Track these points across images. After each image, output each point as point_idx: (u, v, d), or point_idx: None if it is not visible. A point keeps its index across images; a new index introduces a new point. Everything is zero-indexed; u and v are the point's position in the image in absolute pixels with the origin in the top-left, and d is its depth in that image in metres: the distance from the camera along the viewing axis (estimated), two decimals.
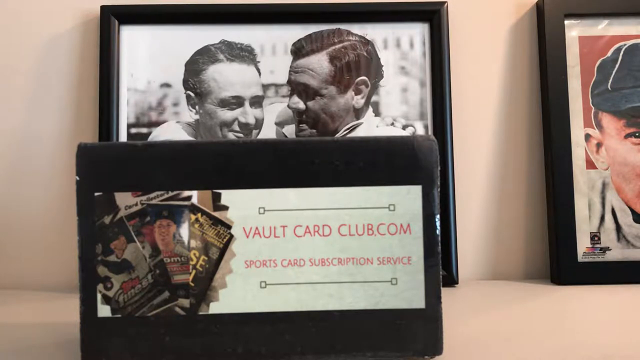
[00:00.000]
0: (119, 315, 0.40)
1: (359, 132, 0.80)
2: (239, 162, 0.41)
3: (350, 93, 0.80)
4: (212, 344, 0.40)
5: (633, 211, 0.78)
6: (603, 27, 0.80)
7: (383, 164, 0.41)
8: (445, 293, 0.59)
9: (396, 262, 0.41)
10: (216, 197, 0.40)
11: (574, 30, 0.80)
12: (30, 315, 0.62)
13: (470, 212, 0.82)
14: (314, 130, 0.79)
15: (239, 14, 0.81)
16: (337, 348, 0.40)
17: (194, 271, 0.40)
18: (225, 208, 0.40)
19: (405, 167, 0.41)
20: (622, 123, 0.79)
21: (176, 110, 0.80)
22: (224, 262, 0.40)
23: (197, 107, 0.80)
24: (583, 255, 0.76)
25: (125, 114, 0.80)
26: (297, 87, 0.80)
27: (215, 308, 0.40)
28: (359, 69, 0.80)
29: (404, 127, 0.81)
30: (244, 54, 0.81)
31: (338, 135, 0.79)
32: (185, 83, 0.80)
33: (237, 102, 0.80)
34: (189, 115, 0.80)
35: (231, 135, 0.79)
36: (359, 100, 0.80)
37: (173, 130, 0.80)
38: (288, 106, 0.80)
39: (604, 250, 0.77)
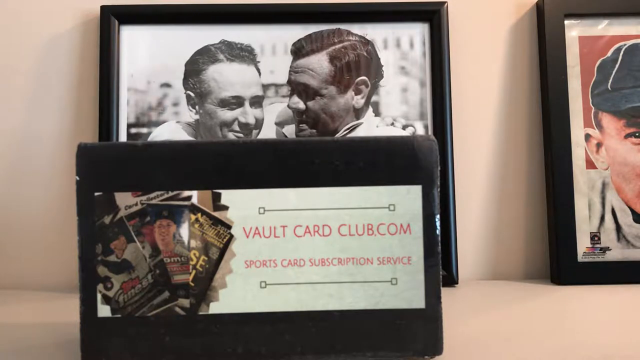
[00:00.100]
0: (119, 315, 0.40)
1: (359, 132, 0.80)
2: (239, 162, 0.41)
3: (350, 93, 0.80)
4: (212, 344, 0.40)
5: (633, 211, 0.78)
6: (603, 27, 0.80)
7: (383, 164, 0.41)
8: (445, 293, 0.59)
9: (396, 262, 0.41)
10: (216, 197, 0.40)
11: (574, 30, 0.80)
12: (30, 315, 0.62)
13: (470, 212, 0.82)
14: (314, 130, 0.79)
15: (239, 14, 0.81)
16: (337, 348, 0.40)
17: (194, 271, 0.40)
18: (225, 208, 0.40)
19: (405, 167, 0.41)
20: (622, 123, 0.79)
21: (176, 110, 0.80)
22: (224, 262, 0.40)
23: (197, 107, 0.80)
24: (583, 255, 0.76)
25: (125, 114, 0.80)
26: (297, 87, 0.80)
27: (215, 308, 0.40)
28: (359, 69, 0.80)
29: (404, 127, 0.81)
30: (244, 54, 0.81)
31: (338, 135, 0.79)
32: (185, 83, 0.80)
33: (237, 102, 0.80)
34: (189, 115, 0.80)
35: (231, 135, 0.79)
36: (359, 100, 0.80)
37: (173, 130, 0.80)
38: (288, 106, 0.80)
39: (604, 250, 0.77)
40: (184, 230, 0.40)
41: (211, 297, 0.40)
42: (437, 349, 0.41)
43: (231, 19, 0.81)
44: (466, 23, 0.84)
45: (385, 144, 0.41)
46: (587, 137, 0.79)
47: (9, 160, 0.81)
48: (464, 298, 0.69)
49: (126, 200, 0.40)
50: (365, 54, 0.81)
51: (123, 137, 0.79)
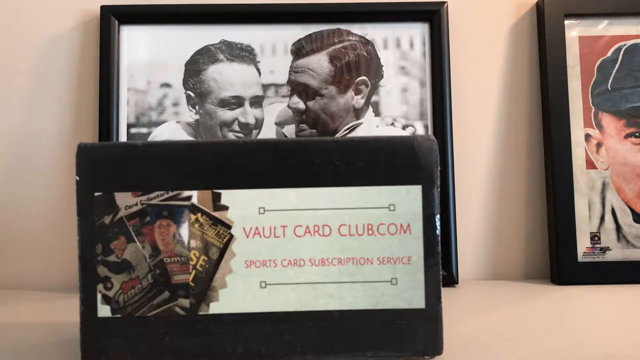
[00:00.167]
0: (119, 315, 0.40)
1: (359, 132, 0.80)
2: (239, 162, 0.41)
3: (350, 93, 0.80)
4: (212, 344, 0.40)
5: (633, 211, 0.78)
6: (603, 27, 0.80)
7: (383, 164, 0.41)
8: (445, 293, 0.59)
9: (396, 262, 0.41)
10: (216, 197, 0.40)
11: (574, 30, 0.80)
12: (30, 315, 0.62)
13: (470, 212, 0.82)
14: (314, 130, 0.79)
15: (239, 14, 0.81)
16: (337, 348, 0.40)
17: (194, 271, 0.40)
18: (225, 208, 0.40)
19: (405, 167, 0.41)
20: (622, 123, 0.79)
21: (176, 110, 0.80)
22: (224, 262, 0.40)
23: (197, 107, 0.80)
24: (583, 255, 0.76)
25: (125, 114, 0.80)
26: (297, 87, 0.80)
27: (215, 308, 0.40)
28: (359, 69, 0.80)
29: (404, 127, 0.81)
30: (244, 54, 0.81)
31: (338, 135, 0.79)
32: (185, 83, 0.80)
33: (237, 102, 0.80)
34: (189, 115, 0.80)
35: (231, 135, 0.79)
36: (359, 100, 0.80)
37: (173, 130, 0.80)
38: (288, 106, 0.80)
39: (604, 250, 0.77)
40: (184, 230, 0.40)
41: (211, 297, 0.40)
42: (437, 349, 0.41)
43: (231, 19, 0.81)
44: (466, 23, 0.84)
45: (385, 144, 0.41)
46: (587, 137, 0.79)
47: (9, 160, 0.81)
48: (464, 298, 0.69)
49: (126, 200, 0.40)
50: (365, 54, 0.81)
51: (123, 137, 0.79)
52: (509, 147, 0.83)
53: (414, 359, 0.40)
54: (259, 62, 0.81)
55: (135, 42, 0.81)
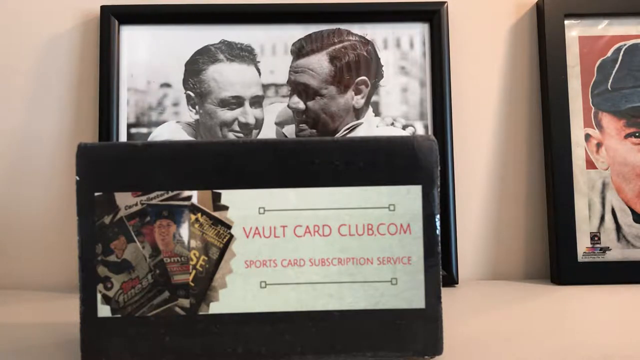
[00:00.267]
0: (119, 315, 0.40)
1: (359, 132, 0.80)
2: (239, 162, 0.41)
3: (350, 93, 0.80)
4: (212, 344, 0.40)
5: (633, 211, 0.78)
6: (603, 27, 0.80)
7: (383, 164, 0.41)
8: (445, 293, 0.59)
9: (396, 262, 0.41)
10: (216, 197, 0.40)
11: (574, 30, 0.80)
12: (30, 315, 0.62)
13: (470, 212, 0.82)
14: (314, 130, 0.79)
15: (239, 14, 0.81)
16: (337, 348, 0.40)
17: (194, 271, 0.40)
18: (225, 208, 0.40)
19: (405, 167, 0.41)
20: (622, 123, 0.79)
21: (176, 110, 0.80)
22: (224, 262, 0.40)
23: (197, 107, 0.80)
24: (583, 255, 0.76)
25: (125, 114, 0.80)
26: (297, 87, 0.80)
27: (215, 308, 0.40)
28: (359, 69, 0.80)
29: (404, 127, 0.81)
30: (244, 54, 0.81)
31: (338, 135, 0.79)
32: (185, 83, 0.80)
33: (237, 102, 0.80)
34: (189, 115, 0.80)
35: (231, 135, 0.79)
36: (359, 100, 0.80)
37: (173, 130, 0.80)
38: (288, 106, 0.80)
39: (604, 250, 0.77)
40: (184, 230, 0.40)
41: (211, 297, 0.40)
42: (437, 349, 0.41)
43: (231, 19, 0.81)
44: (466, 23, 0.84)
45: (385, 144, 0.41)
46: (587, 137, 0.79)
47: (9, 160, 0.81)
48: (464, 298, 0.69)
49: (126, 200, 0.40)
50: (365, 54, 0.81)
51: (123, 137, 0.79)
52: (509, 147, 0.83)
53: (414, 359, 0.40)
54: (259, 62, 0.81)
55: (135, 42, 0.81)
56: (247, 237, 0.40)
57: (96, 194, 0.40)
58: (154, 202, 0.40)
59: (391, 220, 0.41)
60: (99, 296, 0.40)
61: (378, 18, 0.81)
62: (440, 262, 0.41)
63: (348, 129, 0.80)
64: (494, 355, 0.44)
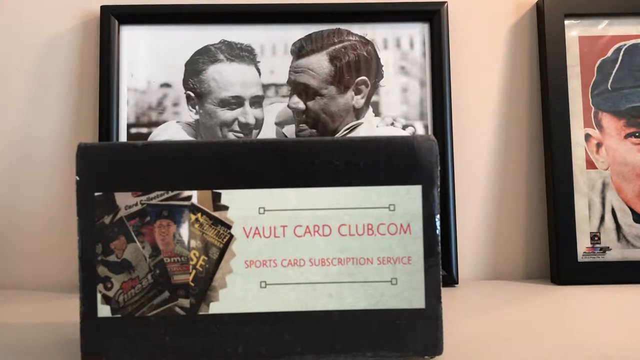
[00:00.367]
0: (119, 315, 0.40)
1: (359, 132, 0.80)
2: (239, 162, 0.41)
3: (350, 93, 0.80)
4: (212, 344, 0.40)
5: (633, 211, 0.78)
6: (603, 27, 0.80)
7: (383, 164, 0.41)
8: (445, 293, 0.59)
9: (396, 262, 0.41)
10: (216, 197, 0.40)
11: (574, 30, 0.80)
12: (30, 315, 0.62)
13: (470, 212, 0.82)
14: (314, 130, 0.79)
15: (239, 14, 0.81)
16: (337, 348, 0.40)
17: (194, 271, 0.40)
18: (225, 208, 0.40)
19: (405, 167, 0.41)
20: (622, 123, 0.79)
21: (176, 110, 0.80)
22: (224, 262, 0.40)
23: (197, 107, 0.80)
24: (583, 255, 0.76)
25: (125, 114, 0.80)
26: (297, 87, 0.80)
27: (215, 308, 0.40)
28: (359, 69, 0.80)
29: (404, 127, 0.81)
30: (244, 54, 0.81)
31: (338, 135, 0.79)
32: (185, 83, 0.80)
33: (237, 102, 0.80)
34: (189, 115, 0.80)
35: (231, 135, 0.79)
36: (359, 100, 0.80)
37: (173, 130, 0.80)
38: (288, 106, 0.80)
39: (604, 250, 0.77)
40: (184, 230, 0.40)
41: (211, 297, 0.40)
42: (437, 349, 0.41)
43: (231, 19, 0.81)
44: (466, 23, 0.84)
45: (385, 144, 0.41)
46: (587, 137, 0.79)
47: (9, 160, 0.81)
48: (464, 298, 0.69)
49: (126, 200, 0.40)
50: (365, 54, 0.81)
51: (123, 137, 0.79)
52: (509, 147, 0.83)
53: (414, 359, 0.40)
54: (259, 62, 0.81)
55: (135, 42, 0.81)
56: (247, 237, 0.40)
57: (96, 194, 0.40)
58: (154, 202, 0.40)
59: (391, 220, 0.41)
60: (99, 296, 0.40)
61: (378, 18, 0.81)
62: (440, 262, 0.41)
63: (348, 129, 0.80)
64: (494, 355, 0.44)
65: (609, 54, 0.80)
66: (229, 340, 0.40)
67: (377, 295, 0.40)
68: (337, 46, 0.81)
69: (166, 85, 0.80)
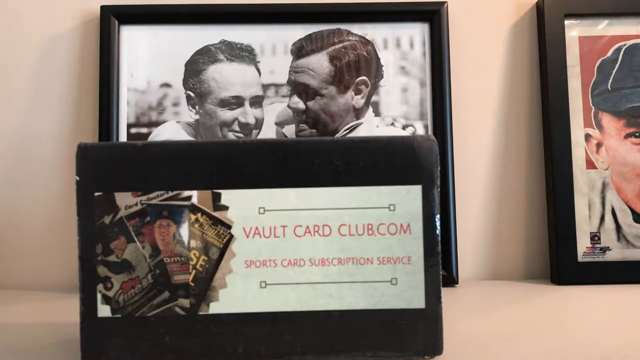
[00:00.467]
0: (119, 315, 0.40)
1: (359, 132, 0.80)
2: (239, 162, 0.41)
3: (350, 93, 0.80)
4: (212, 344, 0.40)
5: (633, 211, 0.78)
6: (603, 27, 0.80)
7: (383, 164, 0.41)
8: (445, 293, 0.59)
9: (396, 262, 0.41)
10: (216, 197, 0.40)
11: (574, 30, 0.80)
12: (30, 315, 0.62)
13: (470, 212, 0.82)
14: (314, 130, 0.79)
15: (239, 14, 0.81)
16: (337, 348, 0.40)
17: (194, 271, 0.40)
18: (225, 208, 0.40)
19: (405, 167, 0.41)
20: (622, 123, 0.79)
21: (176, 110, 0.80)
22: (224, 262, 0.40)
23: (197, 107, 0.80)
24: (583, 255, 0.76)
25: (125, 114, 0.80)
26: (297, 87, 0.80)
27: (215, 308, 0.40)
28: (359, 69, 0.80)
29: (404, 127, 0.81)
30: (244, 54, 0.81)
31: (338, 135, 0.79)
32: (185, 83, 0.80)
33: (237, 102, 0.80)
34: (189, 115, 0.80)
35: (231, 135, 0.79)
36: (359, 100, 0.80)
37: (173, 130, 0.80)
38: (288, 106, 0.80)
39: (604, 250, 0.77)
40: (184, 230, 0.40)
41: (211, 297, 0.40)
42: (437, 349, 0.41)
43: (231, 19, 0.81)
44: (466, 23, 0.84)
45: (385, 144, 0.41)
46: (587, 137, 0.79)
47: (9, 160, 0.81)
48: (464, 298, 0.69)
49: (126, 200, 0.40)
50: (365, 54, 0.81)
51: (123, 137, 0.79)
52: (509, 147, 0.83)
53: (414, 359, 0.40)
54: (259, 62, 0.81)
55: (135, 42, 0.81)
56: (247, 237, 0.40)
57: (96, 194, 0.40)
58: (154, 202, 0.40)
59: (391, 220, 0.41)
60: (99, 296, 0.40)
61: (378, 18, 0.81)
62: (440, 262, 0.41)
63: (348, 129, 0.80)
64: (494, 355, 0.44)
65: (609, 54, 0.80)
66: (229, 340, 0.40)
67: (377, 295, 0.40)
68: (337, 46, 0.81)
69: (166, 85, 0.80)
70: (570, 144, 0.78)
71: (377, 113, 0.81)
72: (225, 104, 0.80)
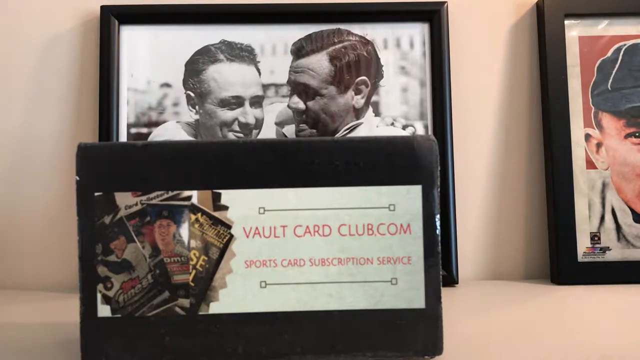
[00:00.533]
0: (119, 315, 0.40)
1: (359, 132, 0.80)
2: (239, 162, 0.41)
3: (350, 93, 0.80)
4: (212, 344, 0.40)
5: (633, 211, 0.78)
6: (603, 27, 0.80)
7: (383, 164, 0.41)
8: (445, 293, 0.59)
9: (396, 262, 0.41)
10: (216, 197, 0.40)
11: (574, 30, 0.80)
12: (30, 315, 0.62)
13: (470, 212, 0.82)
14: (314, 130, 0.79)
15: (239, 14, 0.81)
16: (337, 348, 0.40)
17: (194, 271, 0.40)
18: (225, 208, 0.40)
19: (405, 167, 0.41)
20: (622, 123, 0.79)
21: (176, 110, 0.80)
22: (224, 262, 0.40)
23: (197, 107, 0.80)
24: (583, 255, 0.76)
25: (125, 114, 0.80)
26: (297, 87, 0.80)
27: (215, 308, 0.40)
28: (359, 69, 0.80)
29: (404, 127, 0.81)
30: (244, 54, 0.81)
31: (338, 135, 0.79)
32: (185, 83, 0.80)
33: (237, 102, 0.80)
34: (189, 115, 0.80)
35: (231, 135, 0.79)
36: (359, 100, 0.80)
37: (173, 130, 0.80)
38: (288, 106, 0.80)
39: (604, 250, 0.77)
40: (184, 230, 0.40)
41: (211, 297, 0.40)
42: (437, 349, 0.41)
43: (231, 19, 0.81)
44: (466, 23, 0.84)
45: (385, 144, 0.41)
46: (587, 137, 0.79)
47: (9, 160, 0.81)
48: (464, 298, 0.69)
49: (126, 200, 0.40)
50: (365, 54, 0.81)
51: (123, 137, 0.79)
52: (509, 147, 0.83)
53: (414, 359, 0.40)
54: (259, 62, 0.81)
55: (135, 42, 0.81)
56: (247, 237, 0.40)
57: (96, 194, 0.40)
58: (154, 202, 0.40)
59: (391, 220, 0.41)
60: (99, 296, 0.40)
61: (378, 18, 0.81)
62: (440, 262, 0.41)
63: (348, 129, 0.80)
64: (494, 355, 0.44)
65: (609, 54, 0.80)
66: (229, 340, 0.40)
67: (377, 295, 0.40)
68: (337, 46, 0.81)
69: (166, 85, 0.80)
70: (570, 144, 0.78)
71: (377, 113, 0.81)
72: (225, 104, 0.80)
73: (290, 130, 0.80)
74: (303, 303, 0.40)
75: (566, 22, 0.80)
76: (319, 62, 0.80)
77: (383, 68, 0.81)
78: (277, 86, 0.80)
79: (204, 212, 0.40)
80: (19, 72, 0.82)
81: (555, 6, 0.80)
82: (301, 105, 0.80)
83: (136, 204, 0.40)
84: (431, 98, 0.81)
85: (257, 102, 0.80)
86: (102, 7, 0.80)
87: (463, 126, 0.82)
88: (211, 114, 0.80)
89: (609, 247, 0.77)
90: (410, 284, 0.40)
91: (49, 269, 0.80)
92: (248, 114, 0.80)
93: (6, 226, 0.81)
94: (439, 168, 0.41)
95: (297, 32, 0.81)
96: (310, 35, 0.81)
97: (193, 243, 0.40)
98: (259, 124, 0.80)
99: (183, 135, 0.79)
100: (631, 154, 0.78)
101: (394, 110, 0.81)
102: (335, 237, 0.41)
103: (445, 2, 0.81)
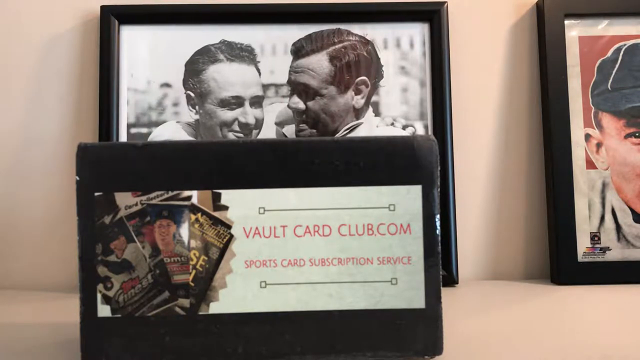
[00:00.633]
0: (119, 315, 0.40)
1: (359, 132, 0.80)
2: (239, 162, 0.41)
3: (350, 93, 0.80)
4: (212, 344, 0.40)
5: (633, 211, 0.78)
6: (603, 27, 0.80)
7: (383, 164, 0.41)
8: (445, 293, 0.59)
9: (396, 262, 0.41)
10: (216, 197, 0.40)
11: (574, 30, 0.80)
12: (30, 315, 0.62)
13: (470, 212, 0.82)
14: (314, 130, 0.79)
15: (239, 14, 0.81)
16: (337, 348, 0.40)
17: (194, 271, 0.40)
18: (225, 208, 0.40)
19: (405, 167, 0.41)
20: (622, 123, 0.79)
21: (176, 110, 0.80)
22: (224, 262, 0.40)
23: (197, 107, 0.80)
24: (583, 255, 0.76)
25: (125, 114, 0.80)
26: (297, 87, 0.80)
27: (215, 308, 0.40)
28: (359, 69, 0.80)
29: (404, 127, 0.81)
30: (244, 54, 0.81)
31: (338, 135, 0.79)
32: (185, 83, 0.80)
33: (237, 102, 0.80)
34: (189, 115, 0.80)
35: (231, 135, 0.79)
36: (359, 100, 0.80)
37: (173, 130, 0.80)
38: (288, 106, 0.80)
39: (604, 250, 0.77)
40: (184, 230, 0.40)
41: (211, 297, 0.40)
42: (437, 349, 0.41)
43: (231, 19, 0.81)
44: (466, 23, 0.84)
45: (385, 144, 0.41)
46: (587, 137, 0.79)
47: (9, 160, 0.81)
48: (464, 298, 0.69)
49: (126, 200, 0.40)
50: (365, 54, 0.81)
51: (123, 137, 0.79)
52: (509, 147, 0.83)
53: (414, 359, 0.40)
54: (259, 62, 0.81)
55: (135, 42, 0.81)
56: (247, 237, 0.40)
57: (96, 194, 0.40)
58: (154, 202, 0.40)
59: (391, 220, 0.41)
60: (99, 296, 0.40)
61: (378, 18, 0.81)
62: (440, 262, 0.41)
63: (348, 129, 0.80)
64: (494, 355, 0.44)
65: (609, 54, 0.80)
66: (229, 340, 0.40)
67: (377, 295, 0.40)
68: (337, 46, 0.81)
69: (166, 85, 0.80)
70: (570, 144, 0.78)
71: (377, 113, 0.81)
72: (225, 104, 0.80)
73: (290, 130, 0.80)
74: (303, 303, 0.40)
75: (566, 22, 0.80)
76: (319, 62, 0.80)
77: (383, 68, 0.81)
78: (277, 86, 0.80)
79: (204, 212, 0.40)
80: (19, 72, 0.82)
81: (555, 6, 0.80)
82: (301, 105, 0.80)
83: (136, 204, 0.40)
84: (431, 98, 0.81)
85: (257, 102, 0.80)
86: (102, 7, 0.80)
87: (463, 126, 0.82)
88: (211, 114, 0.80)
89: (609, 247, 0.77)
90: (410, 284, 0.40)
91: (49, 269, 0.80)
92: (248, 114, 0.80)
93: (6, 226, 0.81)
94: (439, 168, 0.41)
95: (297, 32, 0.81)
96: (310, 35, 0.81)
97: (193, 243, 0.40)
98: (259, 124, 0.80)
99: (183, 135, 0.79)
100: (631, 154, 0.78)
101: (394, 110, 0.81)
102: (335, 237, 0.41)
103: (445, 2, 0.81)
